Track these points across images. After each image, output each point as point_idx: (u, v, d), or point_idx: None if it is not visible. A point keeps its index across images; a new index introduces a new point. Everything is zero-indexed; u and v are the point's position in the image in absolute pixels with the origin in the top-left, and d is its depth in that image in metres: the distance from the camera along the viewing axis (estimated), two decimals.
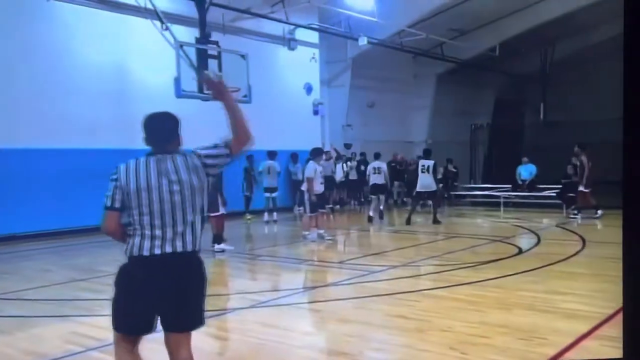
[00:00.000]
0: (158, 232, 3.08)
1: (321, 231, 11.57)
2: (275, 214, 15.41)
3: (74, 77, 13.22)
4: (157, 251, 3.07)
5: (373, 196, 15.37)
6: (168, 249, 3.07)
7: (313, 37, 19.33)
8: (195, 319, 3.20)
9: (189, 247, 3.12)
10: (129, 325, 3.19)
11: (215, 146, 3.26)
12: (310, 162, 11.56)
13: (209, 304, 6.56)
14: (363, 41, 18.53)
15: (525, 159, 18.86)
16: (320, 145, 19.54)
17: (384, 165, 15.99)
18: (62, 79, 13.01)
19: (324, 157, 15.27)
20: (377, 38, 19.22)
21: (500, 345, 4.85)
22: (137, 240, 3.10)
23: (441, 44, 21.31)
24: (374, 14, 17.45)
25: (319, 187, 11.39)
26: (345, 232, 13.97)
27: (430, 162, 14.05)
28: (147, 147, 3.26)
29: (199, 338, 5.32)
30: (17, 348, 5.14)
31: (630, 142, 1.61)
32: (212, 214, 10.43)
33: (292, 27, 18.14)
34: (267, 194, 15.50)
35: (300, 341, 5.27)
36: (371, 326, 5.71)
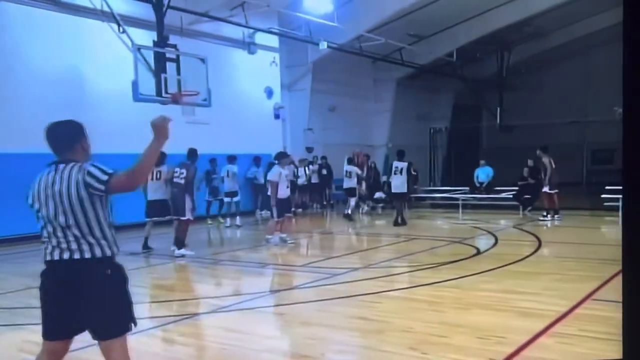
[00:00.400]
0: (54, 241, 3.19)
1: (283, 235, 11.55)
2: (238, 218, 15.32)
3: (25, 81, 12.82)
4: (57, 257, 3.18)
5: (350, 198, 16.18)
6: (65, 256, 3.16)
7: (273, 41, 19.32)
8: (110, 326, 3.20)
9: (87, 255, 3.14)
10: (45, 329, 3.28)
11: (105, 171, 3.15)
12: (275, 166, 11.50)
13: (170, 309, 6.53)
14: (323, 46, 18.60)
15: (482, 162, 19.23)
16: (282, 149, 19.50)
17: (355, 169, 16.28)
18: (12, 83, 12.62)
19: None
20: (337, 42, 19.33)
21: (459, 345, 4.93)
22: (44, 246, 3.25)
23: (400, 49, 21.56)
24: (333, 18, 17.54)
25: (284, 191, 11.33)
26: (308, 235, 13.97)
27: (404, 164, 14.21)
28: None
29: (157, 344, 5.29)
30: None
31: (630, 141, 1.60)
32: (180, 218, 10.38)
33: (251, 30, 18.09)
34: (227, 199, 15.40)
35: (262, 345, 5.25)
36: (333, 328, 5.73)
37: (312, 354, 4.93)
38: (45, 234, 3.22)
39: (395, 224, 14.19)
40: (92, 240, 3.15)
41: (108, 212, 3.26)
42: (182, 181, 10.34)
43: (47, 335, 3.28)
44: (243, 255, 11.04)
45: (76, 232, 3.13)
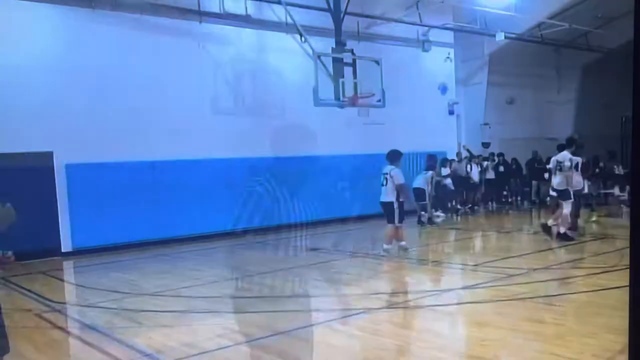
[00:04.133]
0: None
1: (403, 242, 10.52)
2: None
3: (219, 92, 14.13)
4: None
5: None
6: None
7: (448, 36, 19.08)
8: None
9: None
10: None
11: None
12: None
13: (346, 303, 6.87)
14: (500, 37, 18.01)
15: None
16: (457, 146, 19.28)
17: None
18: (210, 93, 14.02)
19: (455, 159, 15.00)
20: (515, 32, 18.60)
21: None
22: None
23: (585, 33, 20.12)
24: (510, 7, 16.90)
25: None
26: (480, 234, 13.67)
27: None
28: None
29: (334, 336, 5.64)
30: (177, 340, 5.74)
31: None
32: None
33: (426, 28, 18.06)
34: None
35: (434, 343, 5.36)
36: (507, 330, 5.65)
37: (485, 356, 4.93)
38: None
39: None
40: None
41: None
42: None
43: None
44: (414, 253, 11.14)
45: None
